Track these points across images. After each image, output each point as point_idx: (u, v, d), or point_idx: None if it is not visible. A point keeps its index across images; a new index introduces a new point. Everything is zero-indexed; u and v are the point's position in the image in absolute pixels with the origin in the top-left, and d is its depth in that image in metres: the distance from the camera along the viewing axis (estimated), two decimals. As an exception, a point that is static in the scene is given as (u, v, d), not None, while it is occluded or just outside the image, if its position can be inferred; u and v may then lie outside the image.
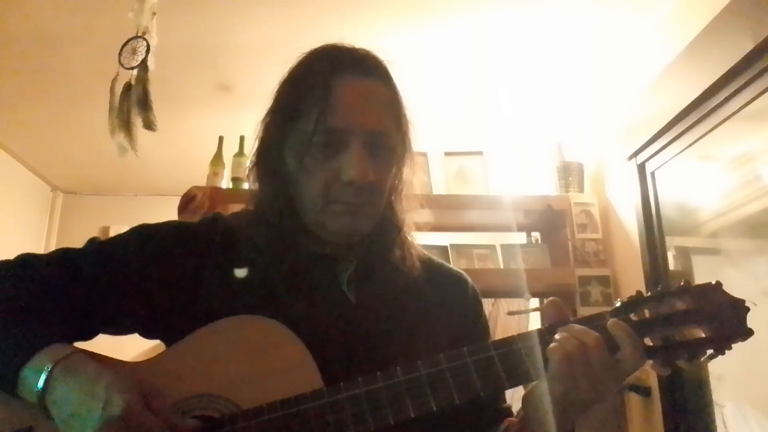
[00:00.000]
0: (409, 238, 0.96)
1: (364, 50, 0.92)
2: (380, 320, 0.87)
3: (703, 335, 0.76)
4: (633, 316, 0.78)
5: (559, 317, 0.80)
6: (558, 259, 2.49)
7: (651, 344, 0.77)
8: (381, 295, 0.89)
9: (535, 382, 0.79)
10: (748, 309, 0.76)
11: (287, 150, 0.89)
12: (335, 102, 0.84)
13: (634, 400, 2.14)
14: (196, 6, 2.11)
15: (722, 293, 0.78)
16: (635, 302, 0.79)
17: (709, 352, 0.75)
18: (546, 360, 0.75)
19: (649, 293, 0.80)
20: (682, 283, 0.79)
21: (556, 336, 0.76)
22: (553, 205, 2.44)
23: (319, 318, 0.83)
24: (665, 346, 0.76)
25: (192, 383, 0.79)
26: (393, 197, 0.94)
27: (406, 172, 0.94)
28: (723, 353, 0.75)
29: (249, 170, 0.94)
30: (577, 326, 0.76)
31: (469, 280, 1.03)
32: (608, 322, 0.76)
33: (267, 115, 0.92)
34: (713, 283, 0.79)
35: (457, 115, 2.78)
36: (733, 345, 0.75)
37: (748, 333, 0.75)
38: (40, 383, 0.72)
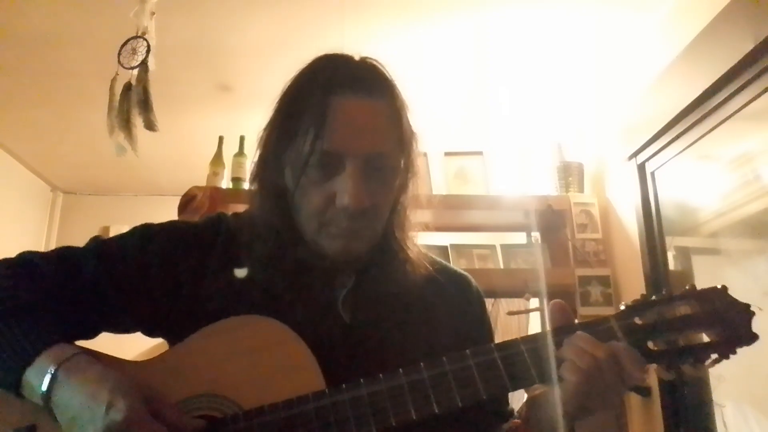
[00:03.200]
0: (410, 253, 0.93)
1: (364, 64, 0.89)
2: (376, 337, 0.86)
3: (708, 340, 0.76)
4: (637, 320, 0.78)
5: (564, 319, 0.80)
6: (558, 259, 2.49)
7: (655, 348, 0.77)
8: (379, 311, 0.88)
9: (543, 390, 0.79)
10: (753, 314, 0.76)
11: (286, 166, 0.88)
12: (331, 124, 0.81)
13: (634, 400, 2.14)
14: (196, 6, 2.10)
15: (728, 297, 0.78)
16: (640, 306, 0.79)
17: (714, 356, 0.75)
18: (550, 365, 0.76)
19: (654, 297, 0.79)
20: (687, 288, 0.79)
21: (567, 351, 0.76)
22: (553, 205, 2.44)
23: (315, 329, 0.82)
24: (670, 351, 0.76)
25: (194, 383, 0.79)
26: (394, 214, 0.91)
27: (410, 187, 0.92)
28: (728, 358, 0.75)
29: (250, 181, 0.93)
30: (585, 336, 0.76)
31: (472, 280, 1.02)
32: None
33: (266, 127, 0.90)
34: (719, 287, 0.79)
35: (457, 115, 2.78)
36: (738, 349, 0.75)
37: (753, 338, 0.75)
38: (44, 386, 0.72)
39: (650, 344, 0.76)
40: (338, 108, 0.82)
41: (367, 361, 0.82)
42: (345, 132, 0.82)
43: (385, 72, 0.89)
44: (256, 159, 0.92)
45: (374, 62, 0.90)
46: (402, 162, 0.89)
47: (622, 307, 0.80)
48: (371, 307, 0.88)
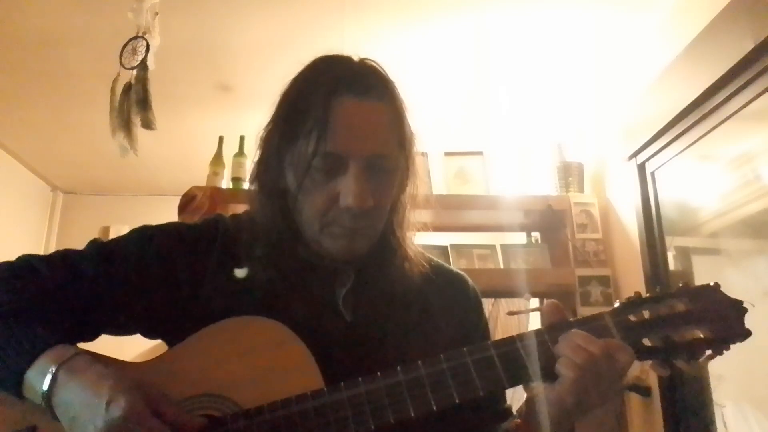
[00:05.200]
0: (409, 251, 0.94)
1: (365, 66, 0.89)
2: (376, 335, 0.87)
3: (702, 336, 0.76)
4: (632, 317, 0.79)
5: (558, 319, 0.81)
6: (558, 259, 2.49)
7: (650, 345, 0.77)
8: (379, 309, 0.89)
9: (542, 388, 0.80)
10: (746, 310, 0.77)
11: (287, 167, 0.88)
12: (333, 126, 0.82)
13: (634, 400, 2.14)
14: (196, 6, 2.11)
15: (720, 294, 0.79)
16: (634, 303, 0.80)
17: (708, 352, 0.76)
18: (546, 361, 0.76)
19: (648, 294, 0.80)
20: (680, 285, 0.80)
21: (562, 347, 0.76)
22: (553, 205, 2.44)
23: (316, 328, 0.83)
24: (664, 347, 0.77)
25: (193, 383, 0.79)
26: (394, 215, 0.92)
27: (409, 187, 0.93)
28: (721, 354, 0.76)
29: (250, 182, 0.93)
30: (580, 333, 0.77)
31: (470, 280, 1.02)
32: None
33: (267, 128, 0.90)
34: (712, 284, 0.80)
35: (457, 115, 2.78)
36: (731, 346, 0.75)
37: (746, 334, 0.76)
38: (45, 385, 0.72)
39: (645, 341, 0.77)
40: (340, 110, 0.83)
41: (368, 359, 0.83)
42: (347, 134, 0.83)
43: (384, 73, 0.89)
44: (256, 160, 0.92)
45: (374, 63, 0.90)
46: (402, 162, 0.89)
47: (617, 305, 0.80)
48: (371, 305, 0.89)
